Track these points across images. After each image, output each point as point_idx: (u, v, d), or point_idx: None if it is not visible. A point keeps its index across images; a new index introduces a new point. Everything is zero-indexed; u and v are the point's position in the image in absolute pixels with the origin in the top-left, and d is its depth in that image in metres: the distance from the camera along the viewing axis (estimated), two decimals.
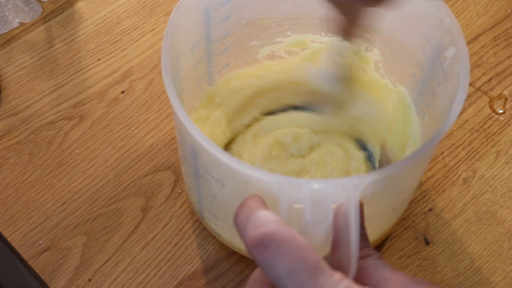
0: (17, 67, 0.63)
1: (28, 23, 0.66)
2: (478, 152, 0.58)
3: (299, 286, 0.30)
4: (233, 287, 0.52)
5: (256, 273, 0.34)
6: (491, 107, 0.61)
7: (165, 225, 0.54)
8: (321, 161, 0.54)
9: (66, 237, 0.54)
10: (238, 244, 0.50)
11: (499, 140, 0.59)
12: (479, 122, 0.60)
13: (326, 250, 0.37)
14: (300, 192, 0.36)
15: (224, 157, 0.38)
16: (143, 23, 0.66)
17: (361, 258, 0.36)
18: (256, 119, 0.57)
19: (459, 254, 0.53)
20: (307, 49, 0.56)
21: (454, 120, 0.41)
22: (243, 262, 0.52)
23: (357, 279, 0.34)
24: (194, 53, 0.50)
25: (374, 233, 0.48)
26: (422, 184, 0.56)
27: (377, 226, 0.48)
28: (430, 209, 0.55)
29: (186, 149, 0.44)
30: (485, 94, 0.62)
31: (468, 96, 0.62)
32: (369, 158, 0.55)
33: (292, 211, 0.36)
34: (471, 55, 0.64)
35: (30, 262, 0.52)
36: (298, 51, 0.56)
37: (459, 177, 0.57)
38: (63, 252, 0.53)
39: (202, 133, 0.39)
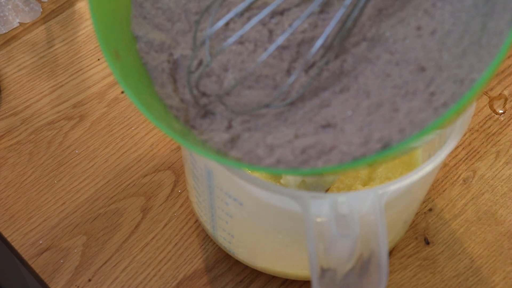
0: (17, 67, 0.63)
1: (28, 23, 0.66)
2: (478, 152, 0.58)
3: None
4: (233, 287, 0.52)
5: None
6: (491, 107, 0.61)
7: (165, 225, 0.54)
8: None
9: (66, 237, 0.54)
10: (253, 261, 0.50)
11: (499, 140, 0.59)
12: (479, 122, 0.60)
13: (351, 263, 0.37)
14: (325, 207, 0.36)
15: (244, 177, 0.38)
16: None
17: None
18: None
19: (459, 254, 0.53)
20: None
21: (469, 122, 0.40)
22: (243, 263, 0.52)
23: None
24: None
25: None
26: None
27: (389, 240, 0.48)
28: (430, 209, 0.55)
29: (199, 169, 0.43)
30: (485, 94, 0.62)
31: None
32: None
33: (317, 226, 0.36)
34: None
35: (30, 262, 0.52)
36: None
37: (459, 177, 0.57)
38: (63, 252, 0.53)
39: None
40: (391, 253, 0.53)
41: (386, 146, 0.33)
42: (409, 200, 0.45)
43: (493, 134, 0.59)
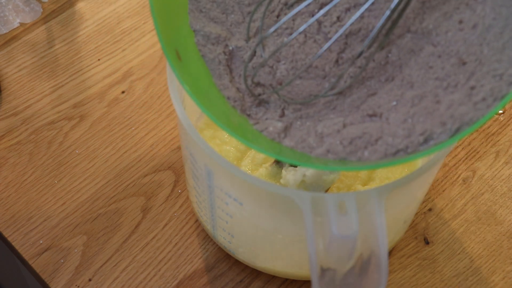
0: (18, 67, 0.63)
1: (28, 23, 0.66)
2: (478, 152, 0.59)
3: None
4: (233, 287, 0.52)
5: None
6: None
7: (165, 225, 0.54)
8: None
9: (66, 237, 0.54)
10: (253, 261, 0.50)
11: (498, 140, 0.59)
12: None
13: (351, 263, 0.37)
14: (325, 207, 0.36)
15: (244, 176, 0.38)
16: (144, 23, 0.66)
17: None
18: None
19: (459, 254, 0.53)
20: None
21: None
22: (243, 263, 0.52)
23: None
24: None
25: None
26: None
27: (389, 239, 0.48)
28: (430, 209, 0.55)
29: (199, 169, 0.43)
30: None
31: None
32: None
33: (317, 226, 0.36)
34: None
35: (30, 262, 0.52)
36: None
37: (458, 177, 0.57)
38: (63, 252, 0.53)
39: (219, 154, 0.39)
40: (391, 253, 0.53)
41: (427, 139, 0.34)
42: (409, 200, 0.46)
43: (492, 134, 0.60)
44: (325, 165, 0.36)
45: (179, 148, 0.58)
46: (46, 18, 0.66)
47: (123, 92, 0.62)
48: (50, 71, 0.63)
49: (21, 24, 0.66)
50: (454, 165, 0.58)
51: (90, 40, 0.65)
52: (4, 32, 0.65)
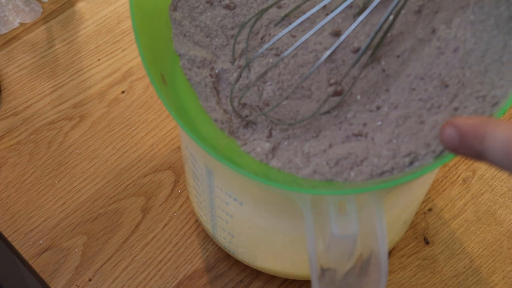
0: (18, 67, 0.63)
1: (28, 23, 0.66)
2: None
3: None
4: (233, 287, 0.52)
5: None
6: None
7: (165, 225, 0.54)
8: None
9: (66, 237, 0.54)
10: (253, 261, 0.50)
11: None
12: None
13: (351, 263, 0.37)
14: (325, 207, 0.36)
15: (244, 176, 0.38)
16: None
17: None
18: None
19: (459, 253, 0.53)
20: None
21: None
22: (243, 263, 0.52)
23: None
24: None
25: None
26: None
27: (389, 239, 0.48)
28: (430, 209, 0.55)
29: (200, 169, 0.43)
30: None
31: None
32: None
33: (317, 226, 0.36)
34: None
35: (30, 262, 0.53)
36: None
37: (458, 177, 0.57)
38: (63, 252, 0.53)
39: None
40: (391, 253, 0.53)
41: (413, 161, 0.35)
42: (409, 200, 0.46)
43: None
44: (312, 189, 0.36)
45: (179, 148, 0.58)
46: (46, 18, 0.66)
47: (123, 92, 0.62)
48: (50, 71, 0.63)
49: (21, 24, 0.66)
50: (454, 165, 0.58)
51: (90, 40, 0.65)
52: (4, 32, 0.65)
